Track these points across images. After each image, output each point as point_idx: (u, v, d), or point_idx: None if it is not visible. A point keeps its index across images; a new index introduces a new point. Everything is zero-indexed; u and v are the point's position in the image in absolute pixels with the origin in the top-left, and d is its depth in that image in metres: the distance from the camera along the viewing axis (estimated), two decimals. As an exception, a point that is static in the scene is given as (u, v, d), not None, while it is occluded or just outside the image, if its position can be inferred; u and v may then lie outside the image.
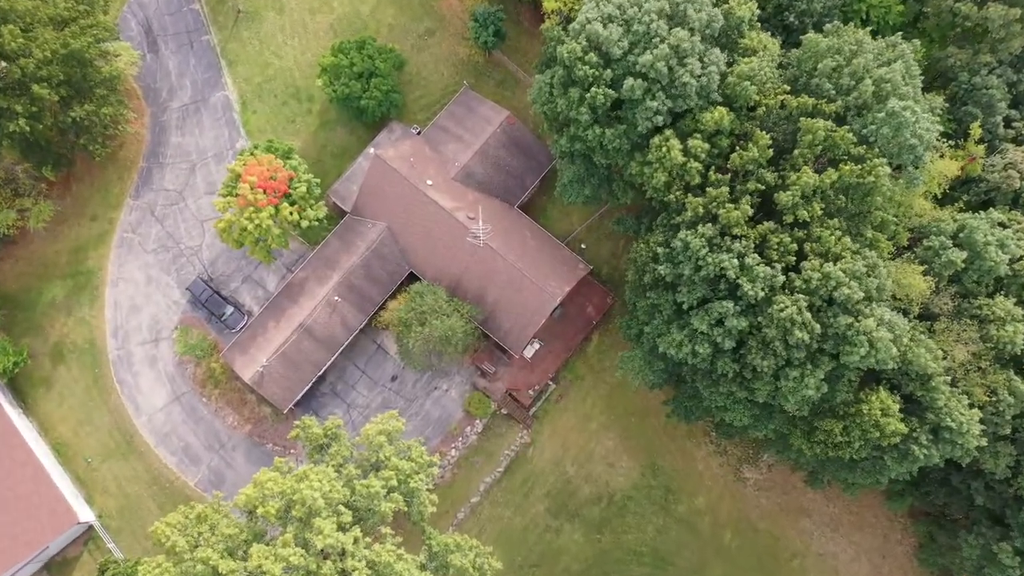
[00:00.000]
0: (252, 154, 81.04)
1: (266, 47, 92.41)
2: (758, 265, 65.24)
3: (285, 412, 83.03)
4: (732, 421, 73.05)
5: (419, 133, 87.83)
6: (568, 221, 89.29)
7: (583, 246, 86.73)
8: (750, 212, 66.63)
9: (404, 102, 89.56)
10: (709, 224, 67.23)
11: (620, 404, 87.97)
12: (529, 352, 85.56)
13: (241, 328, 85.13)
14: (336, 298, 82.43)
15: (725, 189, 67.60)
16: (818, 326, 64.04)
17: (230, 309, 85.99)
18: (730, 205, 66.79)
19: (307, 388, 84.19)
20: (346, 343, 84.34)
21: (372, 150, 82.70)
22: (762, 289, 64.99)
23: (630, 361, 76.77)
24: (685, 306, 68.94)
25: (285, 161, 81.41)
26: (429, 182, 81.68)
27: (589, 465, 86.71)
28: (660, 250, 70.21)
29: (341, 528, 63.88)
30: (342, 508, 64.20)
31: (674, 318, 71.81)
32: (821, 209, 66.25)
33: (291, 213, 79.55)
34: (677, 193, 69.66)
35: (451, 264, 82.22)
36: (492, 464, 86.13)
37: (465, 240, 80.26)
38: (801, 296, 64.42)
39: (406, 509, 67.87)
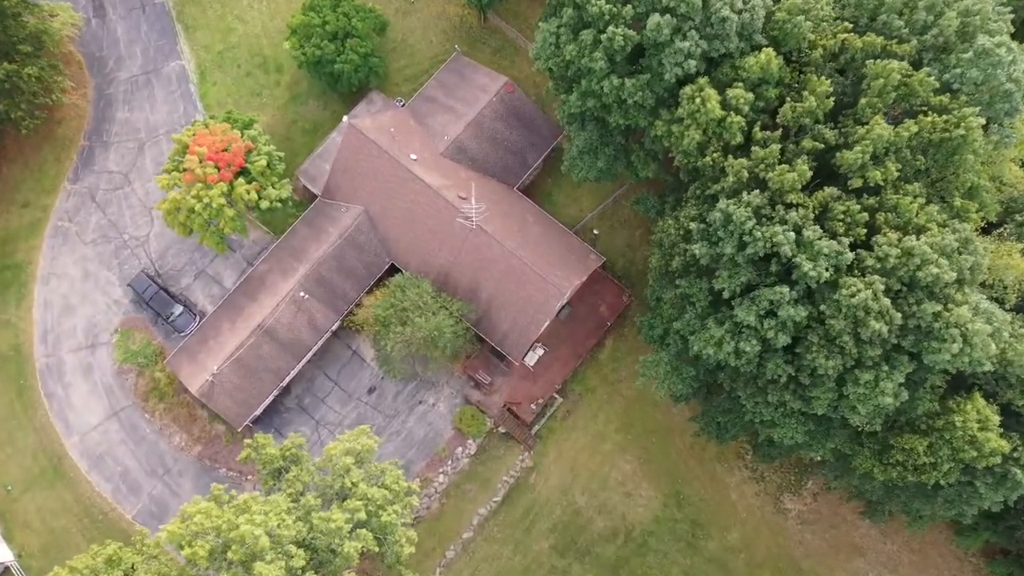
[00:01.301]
0: (206, 125, 66.78)
1: (229, 11, 78.36)
2: (820, 239, 50.55)
3: (240, 430, 67.83)
4: (781, 439, 57.82)
5: (404, 106, 73.64)
6: (577, 207, 74.71)
7: (595, 232, 71.86)
8: (808, 174, 52.02)
9: (387, 72, 75.42)
10: (756, 191, 52.64)
11: (639, 421, 72.78)
12: (531, 359, 70.53)
13: (192, 331, 70.21)
14: (302, 294, 67.65)
15: (775, 148, 53.12)
16: (899, 315, 49.17)
17: (179, 309, 71.07)
18: (783, 166, 52.21)
19: (267, 402, 69.15)
20: (315, 348, 69.40)
21: (346, 119, 68.39)
22: (826, 269, 50.24)
23: (654, 366, 61.69)
24: (726, 294, 54.03)
25: (243, 132, 67.13)
26: (413, 157, 67.24)
27: (602, 494, 71.29)
28: (694, 226, 55.41)
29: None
30: (293, 549, 48.83)
31: (711, 311, 56.92)
32: (897, 170, 51.69)
33: (248, 191, 65.03)
34: (714, 155, 55.01)
35: (439, 253, 67.53)
36: (488, 492, 70.76)
37: (454, 225, 65.66)
38: (877, 278, 49.61)
39: (377, 549, 52.46)
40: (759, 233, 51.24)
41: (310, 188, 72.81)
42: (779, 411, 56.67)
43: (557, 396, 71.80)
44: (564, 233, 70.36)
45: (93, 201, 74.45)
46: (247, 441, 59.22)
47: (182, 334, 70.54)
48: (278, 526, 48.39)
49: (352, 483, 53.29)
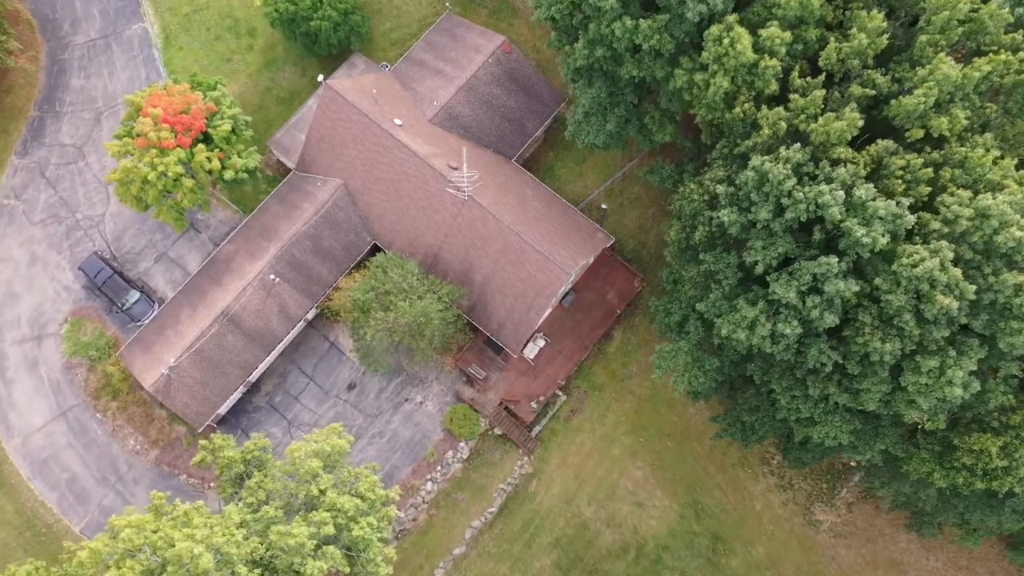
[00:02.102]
0: (165, 88, 58.10)
1: (198, -30, 70.09)
2: (874, 199, 41.76)
3: (201, 431, 58.81)
4: (821, 440, 48.77)
5: (389, 71, 65.01)
6: (582, 183, 65.94)
7: (604, 207, 62.90)
8: (859, 122, 43.27)
9: (371, 35, 66.85)
10: (797, 145, 43.88)
11: (652, 422, 63.80)
12: (531, 351, 61.64)
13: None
14: (272, 277, 58.80)
15: (818, 94, 44.41)
16: (971, 288, 40.34)
17: (135, 295, 62.14)
18: (828, 115, 43.43)
19: (233, 399, 60.21)
20: (287, 339, 60.54)
21: (323, 78, 59.60)
22: (883, 234, 41.42)
23: (671, 357, 52.65)
24: (759, 269, 45.17)
25: (205, 94, 58.48)
26: (398, 122, 58.49)
27: (611, 504, 62.27)
28: (721, 189, 46.57)
29: (240, 602, 39.47)
30: (244, 570, 39.69)
31: (739, 290, 48.08)
32: (965, 119, 43.00)
33: (209, 160, 56.30)
34: (745, 107, 46.29)
35: (426, 232, 58.71)
36: (482, 502, 61.71)
37: (444, 197, 56.93)
38: (944, 244, 40.80)
39: (348, 570, 43.37)
40: (800, 194, 42.40)
41: (284, 161, 64.15)
42: (820, 407, 47.74)
43: (560, 394, 62.85)
44: (568, 209, 61.55)
45: (43, 177, 65.65)
46: (202, 442, 50.29)
47: (139, 323, 61.67)
48: (226, 542, 39.32)
49: (319, 491, 44.30)
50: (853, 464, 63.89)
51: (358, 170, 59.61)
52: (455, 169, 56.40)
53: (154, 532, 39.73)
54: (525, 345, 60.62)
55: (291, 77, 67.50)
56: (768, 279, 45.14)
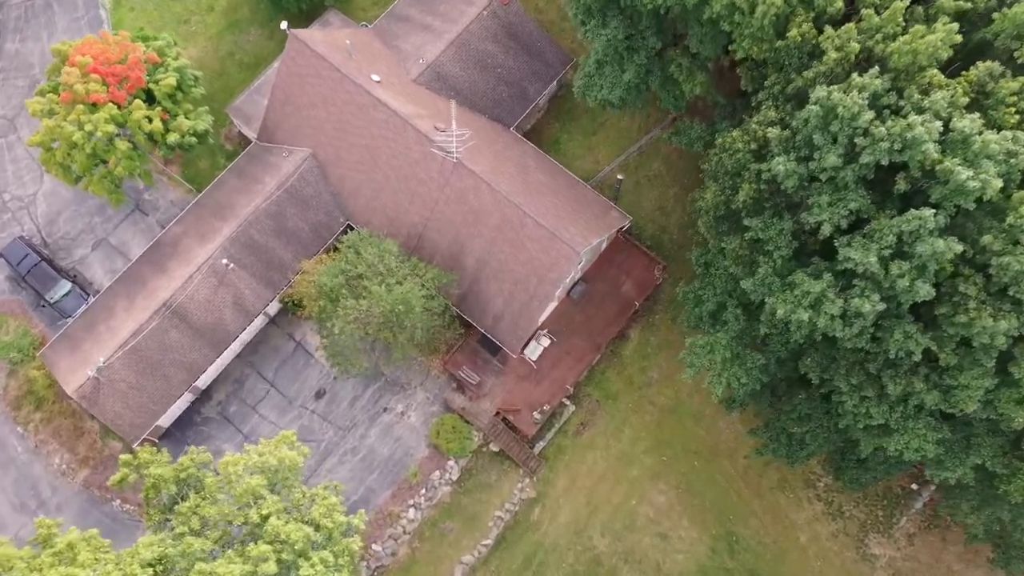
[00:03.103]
0: (100, 38, 48.30)
1: (154, -78, 60.68)
2: (981, 133, 31.66)
3: (137, 446, 47.93)
4: (901, 452, 38.02)
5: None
6: (592, 158, 55.84)
7: (620, 178, 52.37)
8: (957, 37, 33.26)
9: (349, -8, 57.56)
10: (874, 70, 33.84)
11: (676, 438, 53.00)
12: (533, 352, 51.07)
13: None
14: (226, 262, 48.46)
15: (899, 6, 34.43)
16: (1116, 248, 30.07)
17: (66, 287, 51.69)
18: (918, 27, 33.46)
19: (177, 408, 49.58)
20: (242, 336, 50.13)
21: (285, 25, 49.66)
22: (995, 177, 31.23)
23: (706, 352, 42.03)
24: (825, 231, 34.87)
25: (147, 43, 48.69)
26: (375, 78, 48.63)
27: (630, 536, 51.23)
28: (773, 134, 36.37)
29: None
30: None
31: (794, 264, 37.82)
32: (1092, 30, 33.05)
33: (149, 119, 46.34)
34: (804, 28, 36.28)
35: (409, 207, 48.55)
36: (475, 533, 50.67)
37: (429, 166, 46.86)
38: (1077, 187, 30.65)
39: (294, 621, 32.54)
40: (882, 130, 32.31)
41: (245, 132, 54.22)
42: (898, 410, 37.11)
43: (568, 403, 52.17)
44: (577, 184, 51.39)
45: (-33, 152, 55.74)
46: (123, 457, 39.56)
47: (71, 319, 51.20)
48: (123, 586, 28.63)
49: (261, 517, 33.57)
50: (915, 487, 53.14)
51: (329, 136, 49.58)
52: (442, 131, 46.37)
53: (23, 570, 29.03)
54: (526, 344, 50.13)
55: (257, 40, 57.79)
56: (836, 244, 34.83)
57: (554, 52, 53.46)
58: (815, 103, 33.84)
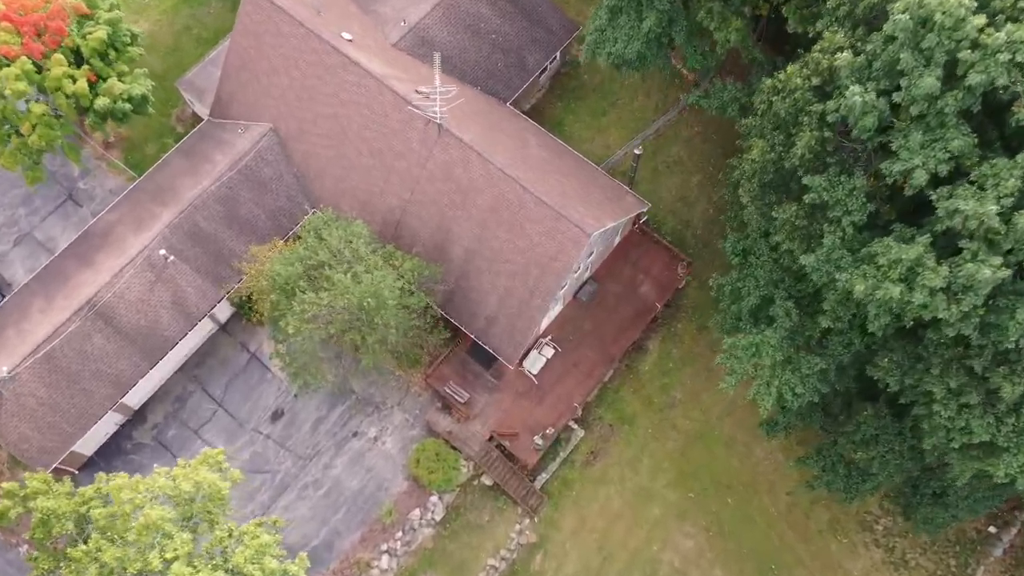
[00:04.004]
0: None
1: None
2: None
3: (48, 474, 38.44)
4: (1016, 479, 28.82)
5: None
6: (602, 141, 47.47)
7: (637, 152, 43.53)
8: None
9: (324, -40, 49.86)
10: (977, -34, 25.62)
11: (705, 469, 43.54)
12: (534, 364, 41.96)
13: (-5, 321, 41.78)
14: (164, 253, 39.68)
15: None
16: None
17: (-24, 286, 43.15)
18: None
19: (100, 430, 40.20)
20: (185, 344, 41.07)
21: (241, -25, 41.93)
22: None
23: (750, 355, 32.93)
24: (918, 180, 26.28)
25: (77, -6, 40.65)
26: (347, 37, 40.56)
27: (651, 588, 41.62)
28: (843, 60, 27.86)
29: None
30: None
31: (866, 235, 29.15)
32: None
33: (73, 78, 38.10)
34: (879, -73, 28.28)
35: (385, 188, 40.01)
36: (463, 586, 41.10)
37: (409, 137, 38.48)
38: None
39: None
40: (1000, 37, 23.99)
41: (197, 110, 46.06)
42: (1010, 422, 28.03)
43: (575, 427, 42.87)
44: (584, 164, 42.91)
45: None
46: (5, 486, 30.32)
47: (-19, 327, 42.17)
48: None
49: (163, 560, 24.28)
50: (992, 530, 43.62)
51: (292, 107, 41.28)
52: (424, 94, 38.01)
53: None
54: (526, 354, 41.17)
55: (218, 13, 49.96)
56: (933, 197, 26.16)
57: (557, 18, 45.55)
58: (903, 11, 25.46)
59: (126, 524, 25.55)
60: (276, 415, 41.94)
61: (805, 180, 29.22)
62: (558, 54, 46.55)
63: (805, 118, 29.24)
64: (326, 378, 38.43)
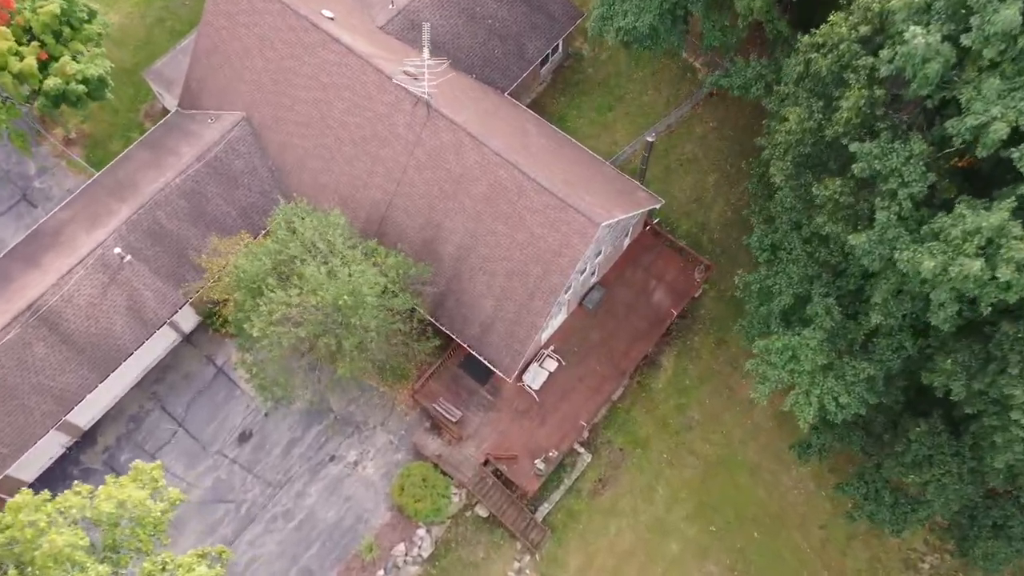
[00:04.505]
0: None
1: None
2: None
3: (-24, 506, 33.39)
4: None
5: (330, -12, 43.59)
6: (608, 138, 43.17)
7: (650, 139, 38.78)
8: None
9: (309, -49, 46.15)
10: None
11: (728, 500, 38.30)
12: (534, 378, 37.02)
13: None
14: (119, 252, 35.04)
15: None
16: None
17: (-87, 292, 38.33)
18: None
19: (43, 454, 35.17)
20: (140, 355, 36.14)
21: (212, -51, 37.97)
22: None
23: (786, 360, 28.27)
24: (996, 134, 21.65)
25: (28, -34, 36.70)
26: (328, 15, 36.55)
27: (669, 636, 36.14)
28: (898, 2, 23.67)
29: None
30: None
31: (925, 212, 24.61)
32: None
33: (19, 55, 33.93)
34: None
35: (369, 180, 35.55)
36: (454, 634, 35.62)
37: (395, 122, 34.18)
38: None
39: None
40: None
41: (165, 102, 41.92)
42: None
43: (581, 451, 37.75)
44: (591, 158, 38.55)
45: None
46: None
47: (-83, 338, 37.35)
48: None
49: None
50: (1054, 569, 38.20)
51: (267, 92, 37.05)
52: (412, 75, 33.80)
53: None
54: (526, 367, 36.33)
55: (193, 4, 45.98)
56: (1013, 155, 21.66)
57: (559, 3, 41.58)
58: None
59: (22, 551, 20.54)
60: (244, 436, 36.88)
61: (852, 147, 24.72)
62: (560, 44, 42.68)
63: (852, 75, 24.87)
64: (298, 392, 33.51)
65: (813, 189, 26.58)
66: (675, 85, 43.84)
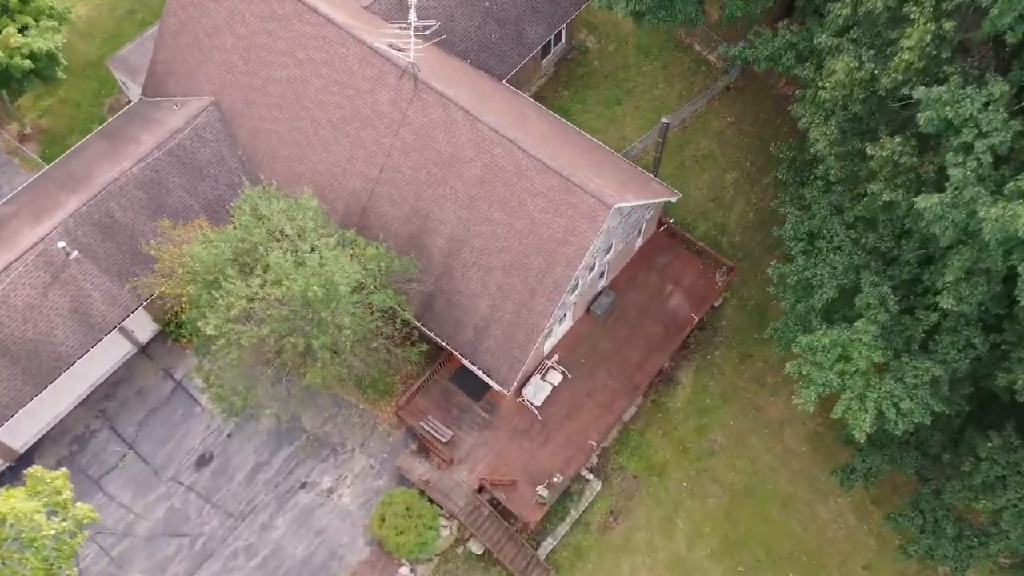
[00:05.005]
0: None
1: None
2: None
3: None
4: None
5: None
6: (616, 132, 39.01)
7: (665, 121, 34.49)
8: None
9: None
10: None
11: (757, 535, 33.23)
12: (536, 392, 32.22)
13: None
14: (64, 247, 30.61)
15: None
16: None
17: None
18: None
19: (-34, 478, 30.39)
20: (86, 367, 31.49)
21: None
22: None
23: (834, 357, 23.54)
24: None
25: (-22, -65, 33.06)
26: (306, -13, 32.77)
27: None
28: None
29: None
30: None
31: (1004, 169, 20.27)
32: None
33: (-43, 24, 30.04)
34: None
35: (349, 166, 31.32)
36: None
37: (378, 99, 30.13)
38: None
39: None
40: None
41: (128, 91, 38.03)
42: None
43: (589, 477, 32.72)
44: (599, 147, 34.40)
45: None
46: None
47: None
48: None
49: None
50: None
51: (237, 73, 33.05)
52: (398, 48, 29.85)
53: None
54: (526, 380, 31.60)
55: (167, -5, 42.65)
56: None
57: (563, -13, 37.98)
58: None
59: None
60: (203, 460, 31.95)
61: (917, 93, 20.49)
62: (564, 35, 38.96)
63: (915, 7, 20.75)
64: (262, 403, 28.73)
65: (868, 150, 22.23)
66: (688, 79, 40.04)
